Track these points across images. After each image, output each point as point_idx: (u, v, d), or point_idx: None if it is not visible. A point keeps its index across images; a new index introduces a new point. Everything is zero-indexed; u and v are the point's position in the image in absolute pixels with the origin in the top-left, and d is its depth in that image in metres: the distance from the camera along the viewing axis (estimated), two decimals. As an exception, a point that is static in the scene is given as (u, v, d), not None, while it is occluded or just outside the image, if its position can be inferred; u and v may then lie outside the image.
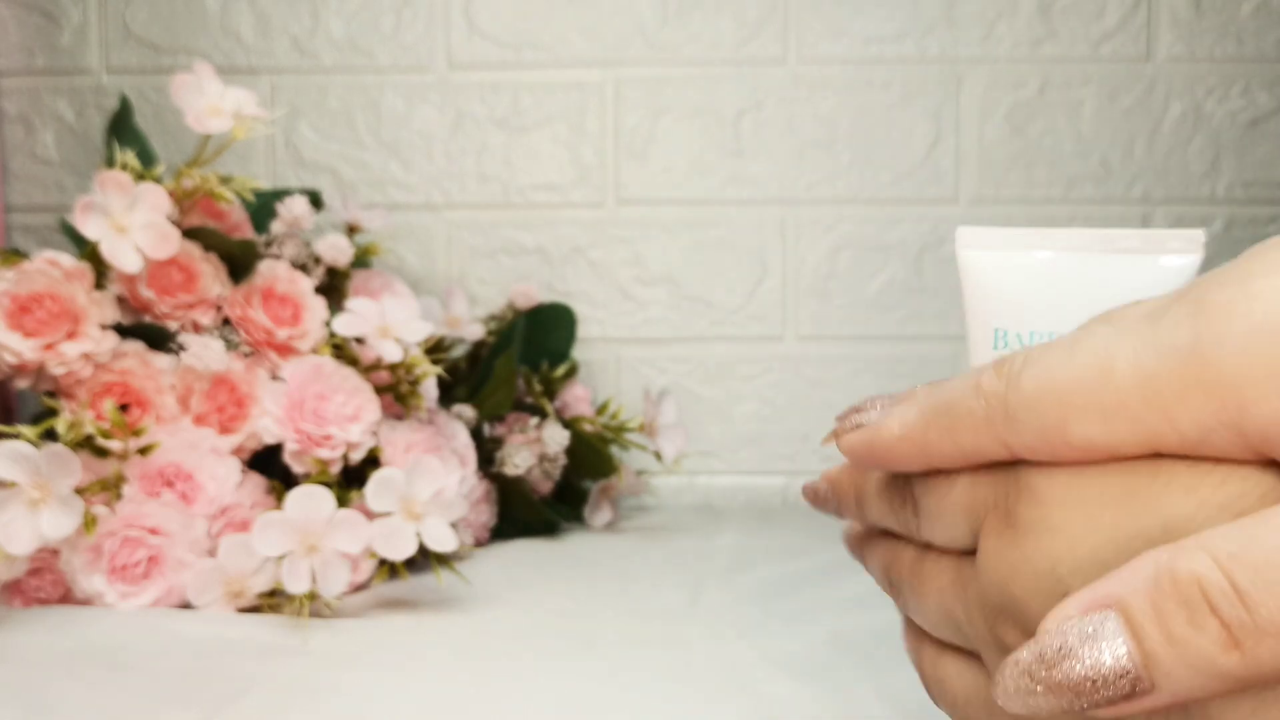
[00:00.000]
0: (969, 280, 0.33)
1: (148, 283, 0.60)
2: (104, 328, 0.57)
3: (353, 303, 0.60)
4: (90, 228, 0.55)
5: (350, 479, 0.58)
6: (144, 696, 0.42)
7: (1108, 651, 0.16)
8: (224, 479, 0.56)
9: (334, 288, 0.67)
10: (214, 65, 0.71)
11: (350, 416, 0.59)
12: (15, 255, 0.58)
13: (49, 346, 0.55)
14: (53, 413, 0.55)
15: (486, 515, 0.69)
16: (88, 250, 0.58)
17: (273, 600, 0.53)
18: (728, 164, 0.86)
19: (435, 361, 0.65)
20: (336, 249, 0.66)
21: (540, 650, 0.48)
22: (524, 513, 0.71)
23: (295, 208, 0.66)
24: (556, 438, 0.70)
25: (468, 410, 0.70)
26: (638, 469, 0.80)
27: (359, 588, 0.58)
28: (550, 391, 0.76)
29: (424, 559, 0.55)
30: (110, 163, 0.62)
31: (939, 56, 0.85)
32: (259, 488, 0.58)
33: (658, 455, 0.74)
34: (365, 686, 0.43)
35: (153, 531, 0.53)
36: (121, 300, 0.60)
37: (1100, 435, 0.18)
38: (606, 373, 0.87)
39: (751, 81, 0.85)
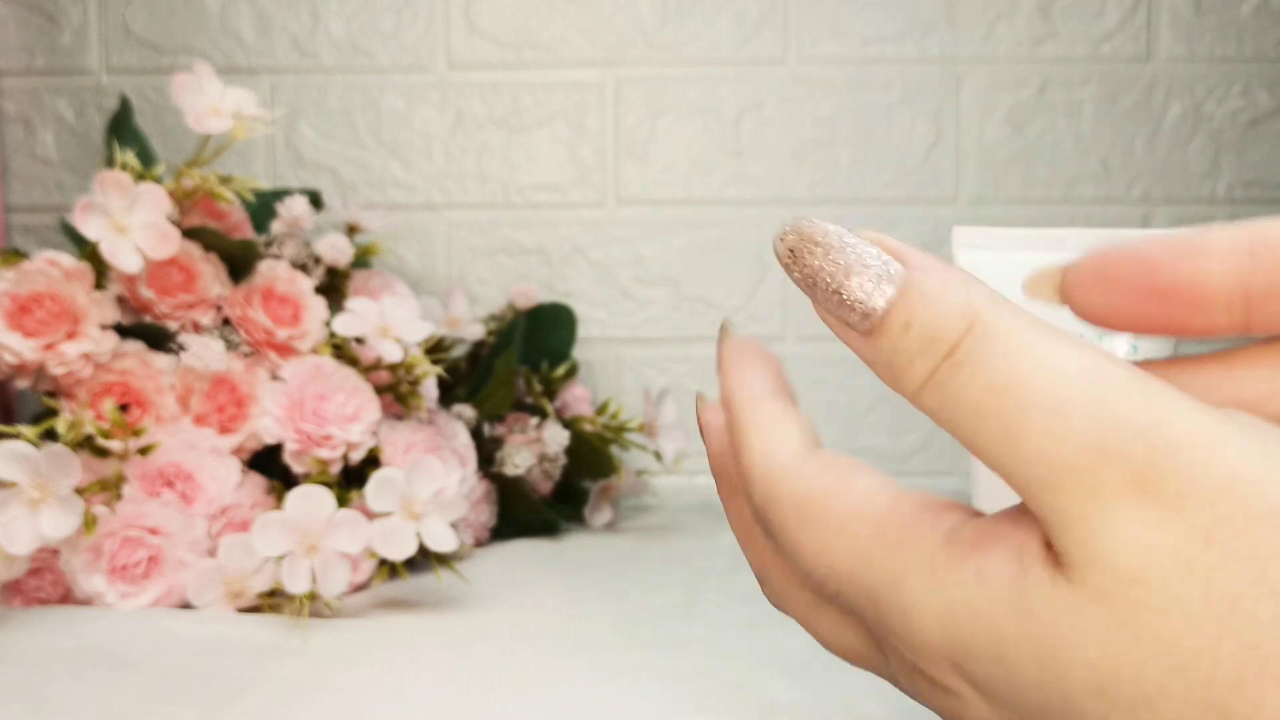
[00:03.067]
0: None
1: (148, 283, 0.60)
2: (104, 328, 0.57)
3: (353, 303, 0.60)
4: (90, 228, 0.55)
5: (350, 479, 0.58)
6: (144, 696, 0.42)
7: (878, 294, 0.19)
8: (224, 479, 0.56)
9: (334, 288, 0.67)
10: (214, 65, 0.71)
11: (350, 416, 0.59)
12: (15, 255, 0.58)
13: (49, 346, 0.55)
14: (53, 413, 0.55)
15: (486, 515, 0.69)
16: (88, 250, 0.58)
17: (273, 600, 0.53)
18: (728, 164, 0.86)
19: (435, 361, 0.65)
20: (336, 249, 0.66)
21: (540, 650, 0.48)
22: (524, 513, 0.71)
23: (295, 208, 0.66)
24: (556, 438, 0.70)
25: (468, 410, 0.70)
26: (638, 469, 0.80)
27: (359, 588, 0.58)
28: (550, 391, 0.76)
29: (424, 559, 0.55)
30: (110, 163, 0.62)
31: (939, 56, 0.85)
32: (259, 488, 0.58)
33: (658, 455, 0.74)
34: (365, 686, 0.43)
35: (153, 531, 0.53)
36: (121, 300, 0.60)
37: None
38: (606, 373, 0.87)
39: (751, 81, 0.85)
